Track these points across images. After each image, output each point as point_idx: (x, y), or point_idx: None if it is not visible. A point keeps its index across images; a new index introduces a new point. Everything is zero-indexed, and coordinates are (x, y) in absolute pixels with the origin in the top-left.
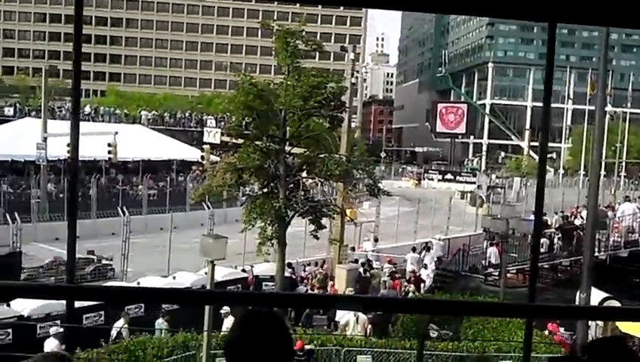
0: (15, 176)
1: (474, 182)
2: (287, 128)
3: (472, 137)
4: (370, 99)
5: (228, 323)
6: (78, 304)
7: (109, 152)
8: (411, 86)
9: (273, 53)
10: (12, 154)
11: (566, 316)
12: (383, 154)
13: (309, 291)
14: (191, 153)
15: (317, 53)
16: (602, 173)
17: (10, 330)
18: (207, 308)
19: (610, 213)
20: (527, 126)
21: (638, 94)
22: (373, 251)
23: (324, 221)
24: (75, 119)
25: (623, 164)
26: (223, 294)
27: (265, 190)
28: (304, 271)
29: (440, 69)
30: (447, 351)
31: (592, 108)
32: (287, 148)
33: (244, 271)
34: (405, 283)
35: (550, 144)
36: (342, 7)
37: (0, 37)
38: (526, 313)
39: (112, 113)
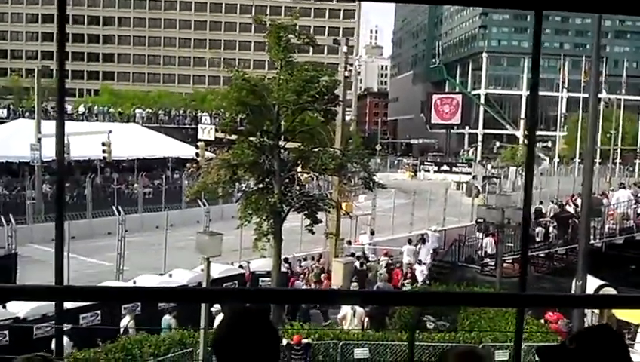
0: (10, 177)
1: (470, 173)
2: (282, 123)
3: (467, 128)
4: (365, 91)
5: (219, 320)
6: (75, 304)
7: (104, 151)
8: (406, 78)
9: (266, 48)
10: (6, 155)
11: (557, 305)
12: (378, 147)
13: (306, 286)
14: (186, 150)
15: (310, 47)
16: (597, 160)
17: (6, 332)
18: (203, 305)
19: (604, 201)
20: (522, 115)
21: (633, 80)
22: (369, 244)
23: (320, 215)
24: (59, 119)
25: (618, 150)
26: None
27: (260, 185)
28: (300, 266)
29: (434, 60)
30: (443, 341)
31: (587, 95)
32: (282, 143)
33: (241, 267)
34: (402, 276)
35: (545, 133)
36: (335, 0)
37: None
38: (517, 303)
39: (106, 112)
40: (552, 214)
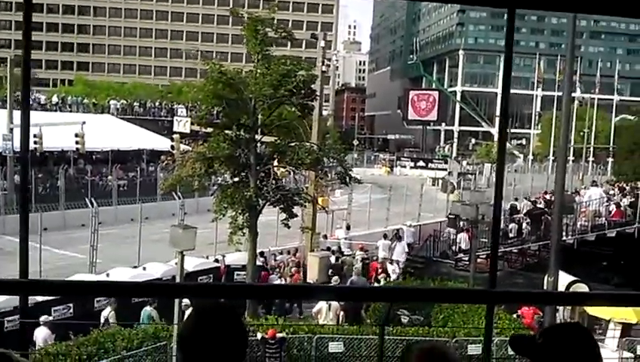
0: None
1: (445, 169)
2: (259, 117)
3: (443, 124)
4: (343, 86)
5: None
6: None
7: (77, 143)
8: (383, 73)
9: (244, 41)
10: None
11: (527, 301)
12: (355, 142)
13: (280, 280)
14: (161, 143)
15: (288, 41)
16: (570, 158)
17: None
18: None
19: (576, 198)
20: (498, 112)
21: (606, 80)
22: (345, 238)
23: (296, 209)
24: (24, 110)
25: (591, 149)
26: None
27: (235, 179)
28: (275, 259)
29: (411, 56)
30: (416, 335)
31: (561, 94)
32: (258, 136)
33: (217, 261)
34: (376, 271)
35: (520, 130)
36: None
37: None
38: (487, 299)
39: (80, 103)
40: (525, 211)
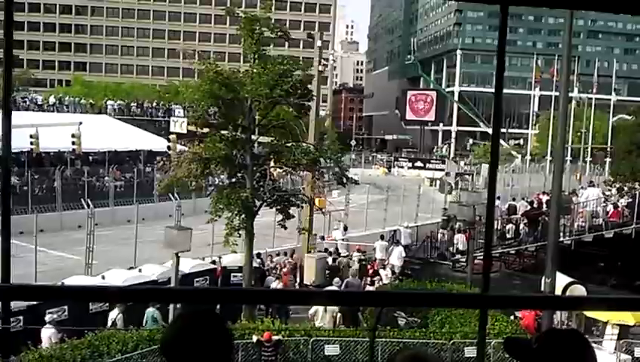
0: None
1: (443, 170)
2: (255, 117)
3: (441, 124)
4: (341, 87)
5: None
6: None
7: (73, 143)
8: (381, 73)
9: (241, 40)
10: None
11: (521, 306)
12: (353, 143)
13: (279, 282)
14: (158, 143)
15: (286, 41)
16: (568, 158)
17: None
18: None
19: (574, 199)
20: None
21: (604, 80)
22: (342, 240)
23: (293, 210)
24: (6, 109)
25: (589, 149)
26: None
27: (232, 180)
28: (272, 261)
29: (409, 56)
30: (413, 338)
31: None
32: (255, 137)
33: (213, 262)
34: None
35: (517, 130)
36: None
37: None
38: (480, 303)
39: (78, 103)
40: (522, 211)
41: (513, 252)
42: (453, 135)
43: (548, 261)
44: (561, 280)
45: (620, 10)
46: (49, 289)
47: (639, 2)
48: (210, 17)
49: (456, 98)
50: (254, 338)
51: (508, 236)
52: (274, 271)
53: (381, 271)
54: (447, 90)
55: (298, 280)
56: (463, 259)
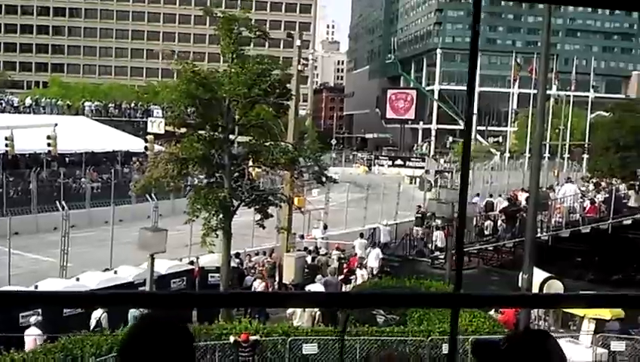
0: None
1: (423, 167)
2: (234, 117)
3: (421, 123)
4: (321, 86)
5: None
6: None
7: (49, 145)
8: (362, 73)
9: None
10: None
11: (494, 304)
12: (334, 141)
13: (258, 281)
14: (136, 144)
15: (265, 41)
16: (546, 155)
17: None
18: None
19: (551, 195)
20: (475, 111)
21: (582, 77)
22: (322, 238)
23: (272, 210)
24: None
25: (567, 146)
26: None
27: (210, 180)
28: (250, 260)
29: (389, 55)
30: (392, 335)
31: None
32: (233, 136)
33: (192, 263)
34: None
35: (497, 128)
36: None
37: None
38: (452, 303)
39: (55, 105)
40: (500, 208)
41: (491, 248)
42: (433, 133)
43: (526, 257)
44: (539, 275)
45: (597, 5)
46: (19, 296)
47: None
48: (189, 18)
49: (436, 96)
50: (231, 338)
51: (486, 232)
52: (252, 271)
53: (357, 271)
54: (427, 88)
55: (277, 279)
56: (442, 256)
